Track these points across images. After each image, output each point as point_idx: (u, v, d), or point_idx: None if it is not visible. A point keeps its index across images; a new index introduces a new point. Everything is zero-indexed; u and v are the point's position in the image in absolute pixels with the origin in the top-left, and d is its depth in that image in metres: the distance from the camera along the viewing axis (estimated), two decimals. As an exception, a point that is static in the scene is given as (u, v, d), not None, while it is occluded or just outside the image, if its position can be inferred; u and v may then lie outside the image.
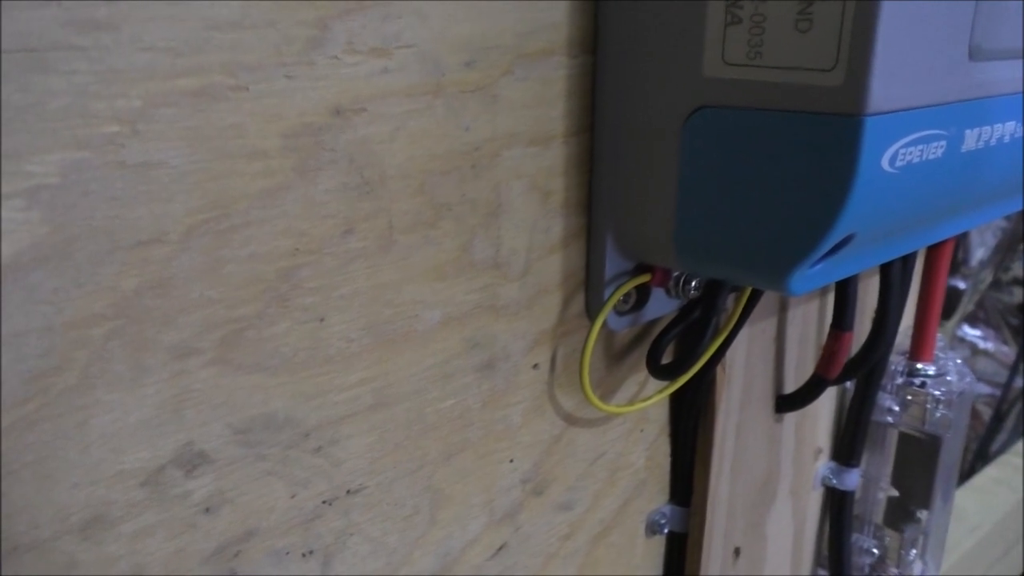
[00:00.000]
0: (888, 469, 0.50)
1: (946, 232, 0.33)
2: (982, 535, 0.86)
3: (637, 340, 0.36)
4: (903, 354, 0.48)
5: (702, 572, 0.41)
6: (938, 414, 0.48)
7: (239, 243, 0.23)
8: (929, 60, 0.25)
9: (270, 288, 0.24)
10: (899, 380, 0.48)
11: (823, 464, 0.50)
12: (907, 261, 0.40)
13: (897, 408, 0.49)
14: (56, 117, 0.19)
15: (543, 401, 0.33)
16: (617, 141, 0.30)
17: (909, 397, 0.48)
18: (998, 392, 1.22)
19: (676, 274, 0.33)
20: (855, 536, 0.51)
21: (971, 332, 1.27)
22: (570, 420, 0.34)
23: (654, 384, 0.37)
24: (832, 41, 0.23)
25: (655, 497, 0.40)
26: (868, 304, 0.46)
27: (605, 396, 0.35)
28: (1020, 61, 0.29)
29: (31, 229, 0.20)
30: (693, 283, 0.33)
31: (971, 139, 0.28)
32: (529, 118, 0.29)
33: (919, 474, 0.49)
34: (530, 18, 0.28)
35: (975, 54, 0.27)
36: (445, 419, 0.30)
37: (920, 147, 0.26)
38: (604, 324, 0.32)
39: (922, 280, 0.45)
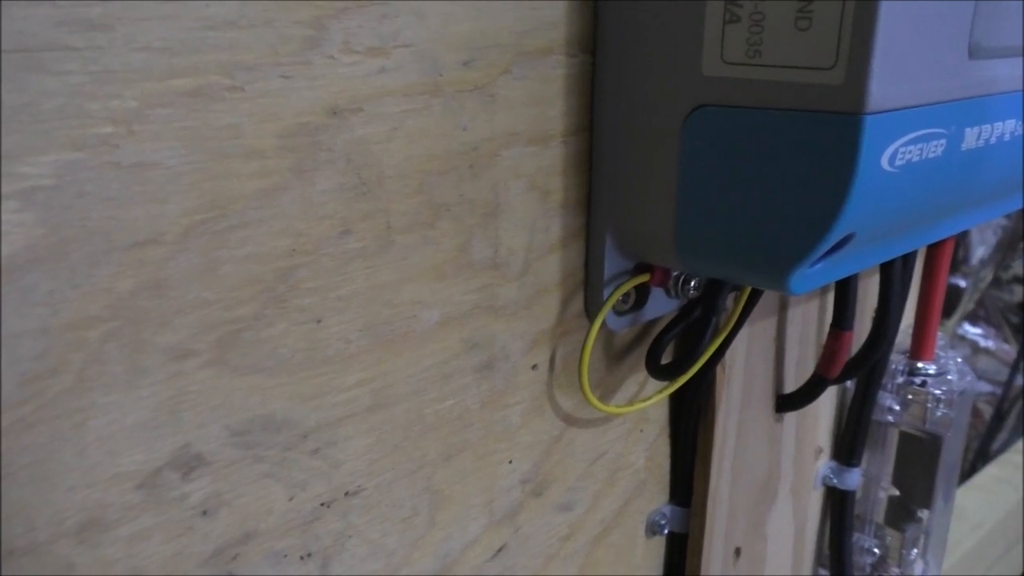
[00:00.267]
0: (889, 468, 0.50)
1: (946, 231, 0.33)
2: (983, 534, 0.86)
3: (637, 340, 0.36)
4: (904, 353, 0.48)
5: (703, 572, 0.41)
6: (939, 413, 0.48)
7: (236, 244, 0.23)
8: (929, 58, 0.25)
9: (267, 289, 0.24)
10: (900, 379, 0.48)
11: (824, 464, 0.50)
12: (907, 260, 0.40)
13: (898, 407, 0.48)
14: (50, 118, 0.19)
15: (542, 401, 0.33)
16: (616, 140, 0.30)
17: (910, 396, 0.48)
18: (999, 391, 1.22)
19: (676, 274, 0.33)
20: (856, 535, 0.51)
21: (972, 331, 1.26)
22: (569, 420, 0.34)
23: (654, 384, 0.37)
24: (832, 39, 0.23)
25: (655, 497, 0.40)
26: (868, 303, 0.46)
27: (604, 396, 0.35)
28: (1020, 59, 0.29)
29: (26, 231, 0.19)
30: (693, 283, 0.33)
31: (971, 137, 0.28)
32: (528, 117, 0.29)
33: (920, 473, 0.49)
34: (528, 17, 0.28)
35: (975, 52, 0.27)
36: (444, 420, 0.30)
37: (920, 146, 0.25)
38: (603, 324, 0.32)
39: (922, 279, 0.45)
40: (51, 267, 0.20)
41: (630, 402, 0.36)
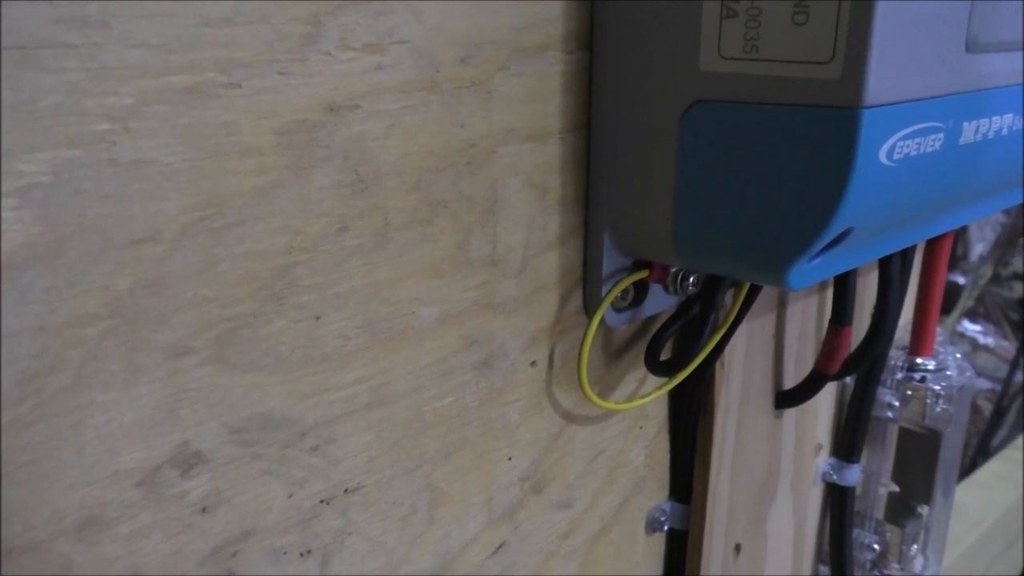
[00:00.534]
0: (889, 465, 0.50)
1: (945, 226, 0.33)
2: (983, 530, 0.86)
3: (635, 337, 0.36)
4: (903, 349, 0.48)
5: (703, 569, 0.41)
6: (938, 409, 0.48)
7: (233, 241, 0.23)
8: (926, 52, 0.25)
9: (265, 286, 0.24)
10: (899, 375, 0.48)
11: (823, 460, 0.50)
12: (906, 255, 0.40)
13: (897, 403, 0.48)
14: (47, 115, 0.19)
15: (541, 399, 0.33)
16: (614, 137, 0.30)
17: (909, 392, 0.48)
18: (999, 387, 1.22)
19: (674, 270, 0.33)
20: (856, 532, 0.51)
21: (971, 327, 1.27)
22: (569, 417, 0.34)
23: (653, 381, 0.37)
24: (829, 34, 0.23)
25: (655, 494, 0.40)
26: (867, 299, 0.46)
27: (604, 393, 0.35)
28: (1018, 53, 0.29)
29: (23, 228, 0.19)
30: (691, 279, 0.33)
31: (969, 132, 0.28)
32: (525, 114, 0.29)
33: (920, 469, 0.49)
34: (525, 13, 0.28)
35: (972, 46, 0.27)
36: (443, 417, 0.30)
37: (918, 140, 0.25)
38: (602, 321, 0.32)
39: (921, 274, 0.45)
40: (49, 265, 0.20)
41: (629, 399, 0.36)
